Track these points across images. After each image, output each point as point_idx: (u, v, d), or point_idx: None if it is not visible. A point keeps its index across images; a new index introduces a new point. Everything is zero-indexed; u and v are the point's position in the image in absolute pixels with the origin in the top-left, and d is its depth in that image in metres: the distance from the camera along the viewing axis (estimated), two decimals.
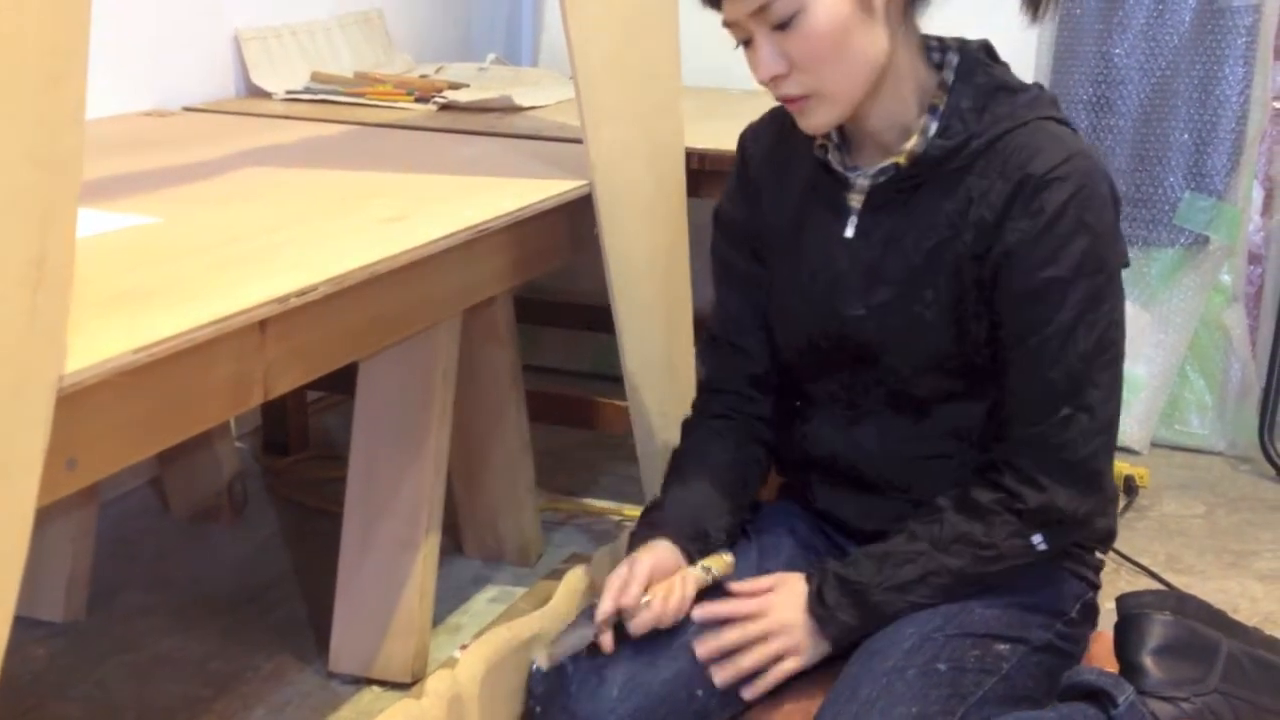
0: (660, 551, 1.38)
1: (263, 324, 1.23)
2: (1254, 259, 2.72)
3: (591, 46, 1.74)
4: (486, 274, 1.67)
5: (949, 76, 1.34)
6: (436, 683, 1.35)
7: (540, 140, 2.12)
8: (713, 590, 1.39)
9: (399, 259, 1.40)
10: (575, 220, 1.80)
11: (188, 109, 2.34)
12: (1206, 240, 2.64)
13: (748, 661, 1.34)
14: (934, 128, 1.33)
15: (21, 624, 1.85)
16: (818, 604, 1.34)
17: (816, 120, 1.33)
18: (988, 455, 1.36)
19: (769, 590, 1.37)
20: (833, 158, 1.39)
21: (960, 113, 1.32)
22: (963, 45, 1.37)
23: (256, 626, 1.95)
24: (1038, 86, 1.37)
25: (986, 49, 1.38)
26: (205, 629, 1.93)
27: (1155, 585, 2.11)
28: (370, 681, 1.80)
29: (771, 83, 1.31)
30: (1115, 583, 2.10)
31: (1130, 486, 2.46)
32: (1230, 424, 2.69)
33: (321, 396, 2.71)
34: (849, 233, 1.38)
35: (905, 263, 1.35)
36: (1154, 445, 2.70)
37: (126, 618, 1.96)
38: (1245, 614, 2.01)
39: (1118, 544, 2.23)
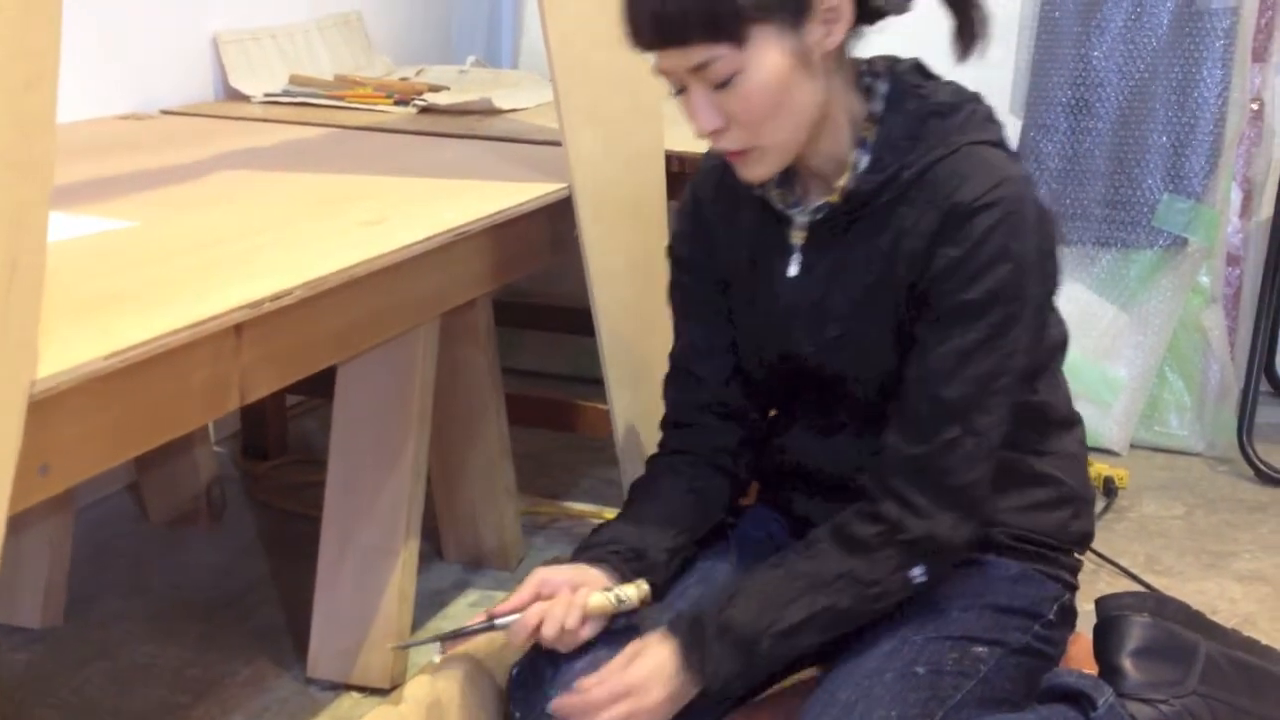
0: (562, 570, 1.35)
1: (238, 328, 1.22)
2: (1232, 261, 2.73)
3: (571, 49, 1.74)
4: (465, 277, 1.66)
5: (878, 106, 1.33)
6: (415, 689, 1.34)
7: (520, 143, 2.12)
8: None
9: (376, 262, 1.40)
10: (555, 223, 1.80)
11: (166, 112, 2.33)
12: (1185, 242, 2.65)
13: None
14: (865, 162, 1.32)
15: None
16: (694, 654, 1.27)
17: (757, 172, 1.32)
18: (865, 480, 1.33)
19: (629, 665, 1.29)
20: (774, 196, 1.38)
21: (891, 143, 1.31)
22: (893, 69, 1.35)
23: (235, 632, 1.94)
24: (973, 102, 1.34)
25: (918, 68, 1.36)
26: (183, 635, 1.92)
27: (1135, 587, 2.12)
28: (349, 687, 1.79)
29: (709, 135, 1.30)
30: (1095, 584, 2.10)
31: (1110, 488, 2.47)
32: (1209, 425, 2.70)
33: (301, 400, 2.70)
34: (793, 270, 1.38)
35: (849, 298, 1.35)
36: (1133, 446, 2.70)
37: (104, 624, 1.94)
38: (1224, 615, 2.01)
39: (1098, 545, 2.23)
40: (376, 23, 2.92)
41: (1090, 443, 2.64)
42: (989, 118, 1.34)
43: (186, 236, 1.44)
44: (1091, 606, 1.42)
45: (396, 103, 2.44)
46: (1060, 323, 1.43)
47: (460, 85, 2.66)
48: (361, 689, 1.78)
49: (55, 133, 0.95)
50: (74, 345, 1.06)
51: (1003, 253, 1.25)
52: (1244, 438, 2.60)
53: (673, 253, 1.52)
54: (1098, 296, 2.71)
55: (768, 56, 1.24)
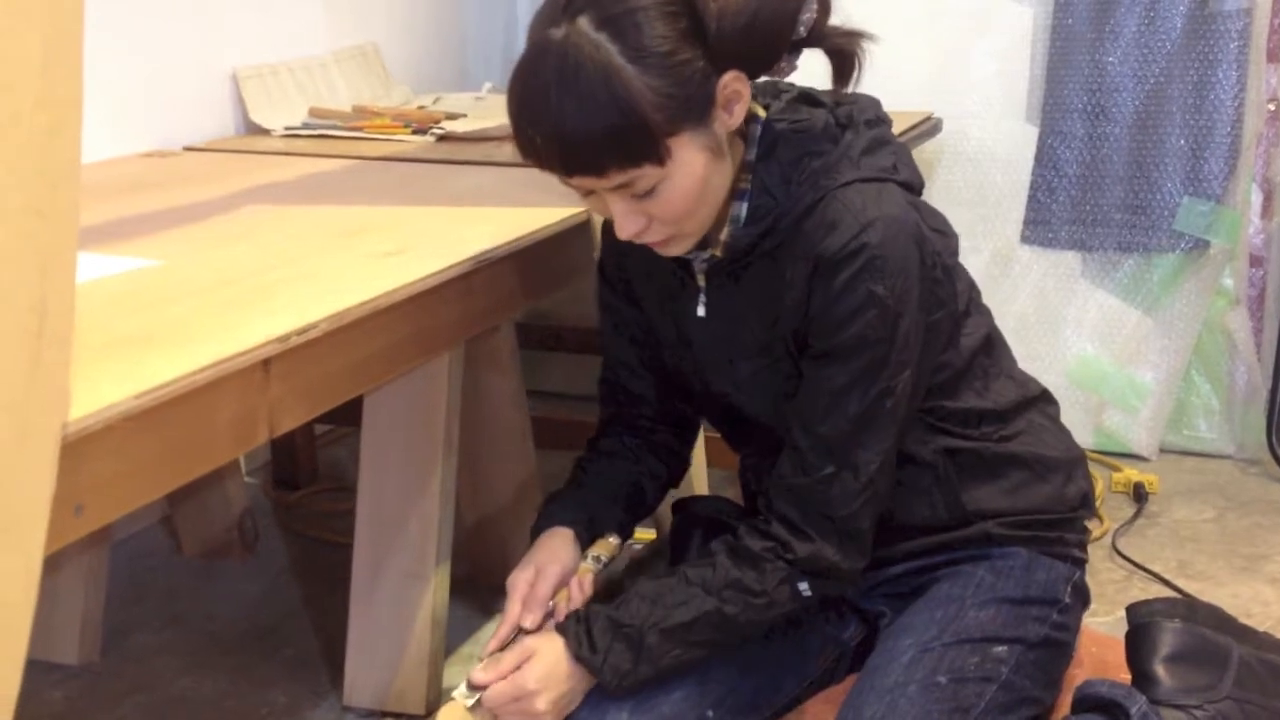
0: (561, 553, 1.41)
1: (265, 363, 1.23)
2: (1255, 261, 2.72)
3: None
4: (487, 304, 1.67)
5: (753, 154, 1.32)
6: (450, 714, 1.35)
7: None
8: None
9: (398, 293, 1.41)
10: (575, 246, 1.81)
11: (189, 148, 2.36)
12: (1207, 244, 2.64)
13: None
14: (744, 212, 1.32)
15: (37, 668, 1.87)
16: (587, 650, 1.31)
17: (677, 250, 1.33)
18: (765, 499, 1.36)
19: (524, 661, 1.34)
20: None
21: (767, 190, 1.31)
22: (769, 108, 1.33)
23: (271, 662, 1.95)
24: (853, 129, 1.32)
25: (803, 97, 1.35)
26: (220, 667, 1.94)
27: (1166, 592, 2.11)
28: (385, 714, 1.80)
29: (632, 237, 1.29)
30: (1127, 591, 2.10)
31: (1140, 493, 2.46)
32: (1238, 427, 2.69)
33: (330, 429, 2.71)
34: (701, 311, 1.40)
35: (753, 339, 1.36)
36: (1162, 451, 2.70)
37: (141, 658, 1.96)
38: (1257, 618, 2.00)
39: (1128, 551, 2.23)
40: (393, 53, 2.95)
41: (1118, 448, 2.66)
42: (869, 146, 1.32)
43: (210, 273, 1.46)
44: (1123, 613, 1.42)
45: (414, 132, 2.46)
46: (980, 325, 1.42)
47: (477, 112, 2.68)
48: (398, 715, 1.79)
49: (80, 178, 0.97)
50: (104, 385, 1.07)
51: (867, 300, 1.26)
52: (1273, 439, 2.59)
53: (602, 268, 1.53)
54: (1121, 302, 2.71)
55: (689, 161, 1.23)
